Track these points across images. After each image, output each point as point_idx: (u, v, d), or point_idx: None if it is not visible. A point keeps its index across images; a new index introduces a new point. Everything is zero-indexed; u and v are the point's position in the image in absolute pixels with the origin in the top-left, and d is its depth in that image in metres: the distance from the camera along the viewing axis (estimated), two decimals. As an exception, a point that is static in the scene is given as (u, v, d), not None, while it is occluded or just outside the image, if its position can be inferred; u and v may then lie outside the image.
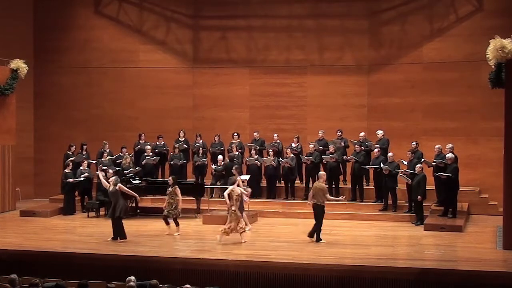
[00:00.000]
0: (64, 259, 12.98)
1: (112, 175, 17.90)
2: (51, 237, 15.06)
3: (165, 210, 15.03)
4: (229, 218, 14.07)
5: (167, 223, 15.04)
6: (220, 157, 18.40)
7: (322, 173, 14.76)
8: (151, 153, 18.79)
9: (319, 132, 18.81)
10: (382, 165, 16.81)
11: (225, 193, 14.15)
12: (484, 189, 18.31)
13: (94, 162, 19.01)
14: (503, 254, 13.07)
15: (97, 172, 16.15)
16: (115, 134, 20.52)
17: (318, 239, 13.99)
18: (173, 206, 14.93)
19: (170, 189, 15.08)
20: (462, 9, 19.31)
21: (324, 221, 16.53)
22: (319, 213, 13.99)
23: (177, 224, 15.02)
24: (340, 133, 18.54)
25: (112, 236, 14.28)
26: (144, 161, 18.61)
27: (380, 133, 18.07)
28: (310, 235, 14.11)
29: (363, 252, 13.12)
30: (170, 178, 15.39)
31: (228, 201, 14.07)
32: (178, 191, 15.05)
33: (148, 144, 19.04)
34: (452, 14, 19.42)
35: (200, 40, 21.29)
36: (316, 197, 13.97)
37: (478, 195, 18.02)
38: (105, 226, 15.52)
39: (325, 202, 14.05)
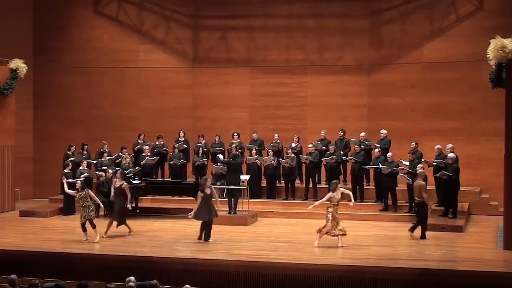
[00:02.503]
0: (64, 260, 12.97)
1: (111, 175, 17.96)
2: (51, 237, 15.03)
3: (81, 217, 14.23)
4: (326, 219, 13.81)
5: (85, 230, 14.28)
6: (220, 157, 18.35)
7: (421, 171, 14.83)
8: (149, 153, 18.75)
9: (321, 132, 18.77)
10: (380, 166, 16.78)
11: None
12: (484, 189, 18.27)
13: (94, 162, 18.99)
14: (504, 254, 13.05)
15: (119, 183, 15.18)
16: (114, 134, 20.48)
17: (423, 236, 14.30)
18: (90, 209, 14.20)
19: (81, 193, 14.25)
20: (463, 8, 19.28)
21: (323, 221, 16.61)
22: (419, 211, 14.30)
23: (93, 227, 14.26)
24: (342, 133, 18.51)
25: (204, 237, 14.21)
26: (144, 161, 18.57)
27: (384, 132, 18.01)
28: (411, 229, 14.42)
29: (363, 252, 13.11)
30: (78, 181, 14.58)
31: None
32: (91, 193, 14.50)
33: (147, 144, 18.99)
34: (452, 13, 19.39)
35: (200, 40, 21.26)
36: (417, 195, 14.33)
37: (478, 195, 17.99)
38: (105, 226, 15.49)
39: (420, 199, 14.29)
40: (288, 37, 20.61)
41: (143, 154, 18.78)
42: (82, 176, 17.92)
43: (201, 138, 19.17)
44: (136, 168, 18.41)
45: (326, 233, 13.62)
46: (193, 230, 15.67)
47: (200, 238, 14.33)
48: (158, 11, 21.39)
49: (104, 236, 14.54)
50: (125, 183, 15.08)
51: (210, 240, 14.16)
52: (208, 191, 14.20)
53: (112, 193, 15.22)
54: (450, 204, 15.97)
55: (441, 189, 16.35)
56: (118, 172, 15.75)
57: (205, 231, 14.27)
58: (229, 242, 14.20)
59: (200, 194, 14.25)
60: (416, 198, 14.46)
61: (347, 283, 11.75)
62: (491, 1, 19.07)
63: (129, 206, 15.08)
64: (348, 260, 12.47)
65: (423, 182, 14.30)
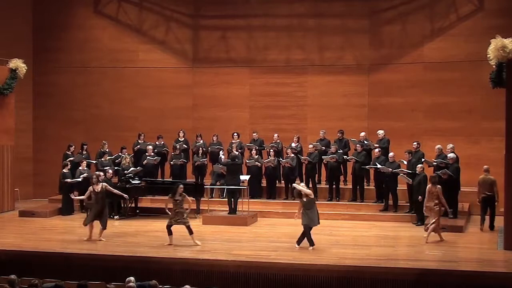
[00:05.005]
0: (63, 260, 12.94)
1: (111, 175, 17.93)
2: (50, 237, 15.00)
3: (172, 220, 13.86)
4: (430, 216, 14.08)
5: (171, 233, 14.00)
6: (222, 157, 18.33)
7: (487, 166, 15.26)
8: (152, 153, 18.71)
9: (321, 132, 18.75)
10: (378, 165, 16.74)
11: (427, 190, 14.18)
12: (485, 190, 18.21)
13: (94, 162, 18.96)
14: (504, 254, 13.03)
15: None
16: (114, 134, 20.47)
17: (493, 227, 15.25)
18: (184, 216, 13.88)
19: (180, 198, 13.94)
20: (463, 8, 19.27)
21: (324, 221, 16.60)
22: (490, 204, 15.09)
23: (191, 232, 13.90)
24: (340, 134, 18.49)
25: (297, 241, 13.59)
26: (145, 161, 18.54)
27: (381, 133, 18.02)
28: (491, 227, 15.31)
29: (363, 253, 13.08)
30: (181, 186, 14.17)
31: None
32: (188, 198, 14.12)
33: (150, 144, 18.94)
34: (453, 13, 19.38)
35: (199, 40, 21.24)
36: (488, 190, 15.04)
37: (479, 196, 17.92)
38: (109, 226, 15.46)
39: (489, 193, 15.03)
40: (288, 36, 20.59)
41: (146, 154, 18.74)
42: (81, 176, 17.91)
43: (199, 138, 19.15)
44: (138, 168, 18.37)
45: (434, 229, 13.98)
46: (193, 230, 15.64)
47: (297, 244, 13.57)
48: (158, 11, 21.37)
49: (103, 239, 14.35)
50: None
51: (312, 247, 13.43)
52: (311, 196, 13.56)
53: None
54: (451, 204, 15.91)
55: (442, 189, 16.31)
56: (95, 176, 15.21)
57: (306, 236, 13.59)
58: (229, 242, 14.17)
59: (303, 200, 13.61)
60: (486, 193, 15.01)
61: (347, 283, 11.72)
62: (491, 1, 19.05)
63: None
64: (348, 260, 12.43)
65: (494, 178, 14.91)
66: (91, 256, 13.04)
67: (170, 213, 13.97)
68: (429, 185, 14.15)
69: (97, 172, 15.72)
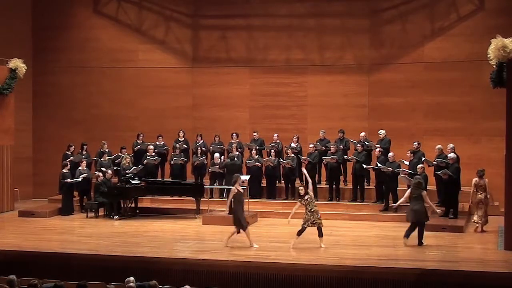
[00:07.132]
0: (63, 260, 12.91)
1: (111, 175, 17.92)
2: (50, 237, 14.97)
3: (309, 222, 13.30)
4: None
5: (300, 234, 13.43)
6: (216, 155, 18.28)
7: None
8: (153, 153, 18.68)
9: (320, 132, 18.74)
10: (379, 165, 16.73)
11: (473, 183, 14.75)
12: (485, 190, 18.20)
13: (94, 158, 18.96)
14: (505, 254, 12.99)
15: None
16: (114, 134, 20.45)
17: None
18: (319, 216, 13.34)
19: (307, 197, 13.36)
20: (463, 8, 19.25)
21: (324, 221, 16.63)
22: None
23: (321, 235, 13.44)
24: (341, 134, 18.47)
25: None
26: (146, 161, 18.51)
27: (382, 132, 17.99)
28: None
29: (363, 253, 13.05)
30: (302, 187, 13.63)
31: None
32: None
33: (152, 144, 18.90)
34: (453, 13, 19.36)
35: (199, 40, 21.22)
36: None
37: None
38: (104, 226, 15.45)
39: None
40: (288, 36, 20.56)
41: (146, 154, 18.71)
42: (81, 176, 17.89)
43: (199, 138, 19.14)
44: (139, 166, 18.33)
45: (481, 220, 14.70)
46: (193, 230, 15.65)
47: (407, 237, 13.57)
48: (158, 11, 21.34)
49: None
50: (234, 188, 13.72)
51: (422, 243, 13.46)
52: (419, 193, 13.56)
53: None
54: (451, 204, 15.93)
55: (442, 189, 16.31)
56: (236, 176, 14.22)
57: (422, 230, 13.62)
58: (229, 242, 14.12)
59: (425, 192, 13.60)
60: None
61: (347, 283, 11.70)
62: (491, 1, 19.03)
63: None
64: (348, 260, 12.41)
65: None
66: (90, 256, 13.02)
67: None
68: (475, 179, 14.70)
69: (96, 172, 15.35)
